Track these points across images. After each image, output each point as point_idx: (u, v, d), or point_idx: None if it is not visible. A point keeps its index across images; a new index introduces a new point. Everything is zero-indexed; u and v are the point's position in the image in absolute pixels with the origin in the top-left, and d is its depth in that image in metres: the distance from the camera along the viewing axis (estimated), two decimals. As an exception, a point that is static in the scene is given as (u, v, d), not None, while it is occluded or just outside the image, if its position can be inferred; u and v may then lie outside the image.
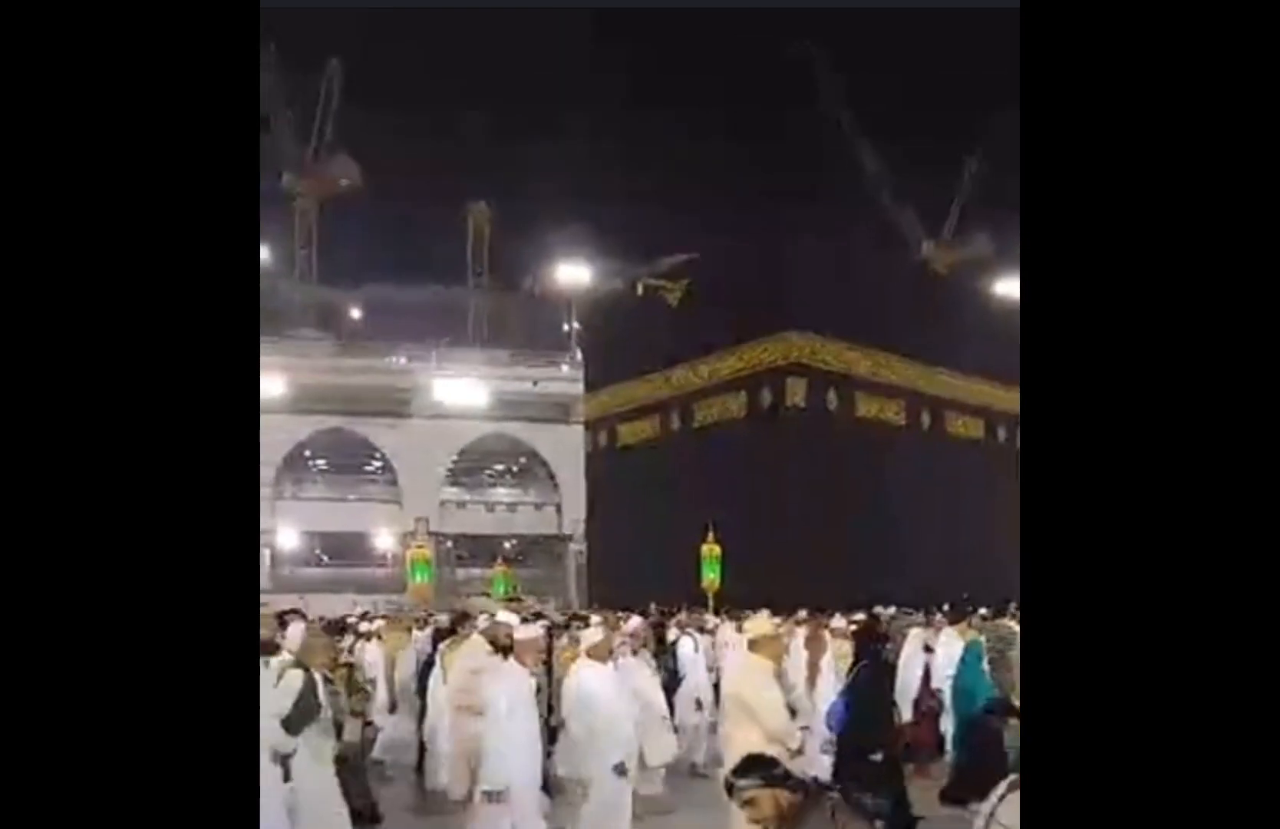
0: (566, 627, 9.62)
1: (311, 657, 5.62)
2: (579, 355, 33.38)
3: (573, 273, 39.12)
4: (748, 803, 4.01)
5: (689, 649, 9.50)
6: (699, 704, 8.95)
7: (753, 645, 5.42)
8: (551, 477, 38.15)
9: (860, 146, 35.36)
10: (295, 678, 5.36)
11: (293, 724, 5.20)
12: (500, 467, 39.75)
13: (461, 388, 37.11)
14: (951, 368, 24.70)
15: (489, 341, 40.24)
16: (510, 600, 17.70)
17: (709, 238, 25.46)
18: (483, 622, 7.76)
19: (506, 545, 33.01)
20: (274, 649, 5.81)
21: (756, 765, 3.86)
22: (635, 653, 7.90)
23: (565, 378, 35.99)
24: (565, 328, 40.30)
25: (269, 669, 5.41)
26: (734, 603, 13.86)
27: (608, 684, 5.84)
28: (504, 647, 6.63)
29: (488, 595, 22.31)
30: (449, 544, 36.45)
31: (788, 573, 17.77)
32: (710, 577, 18.50)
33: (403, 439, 36.27)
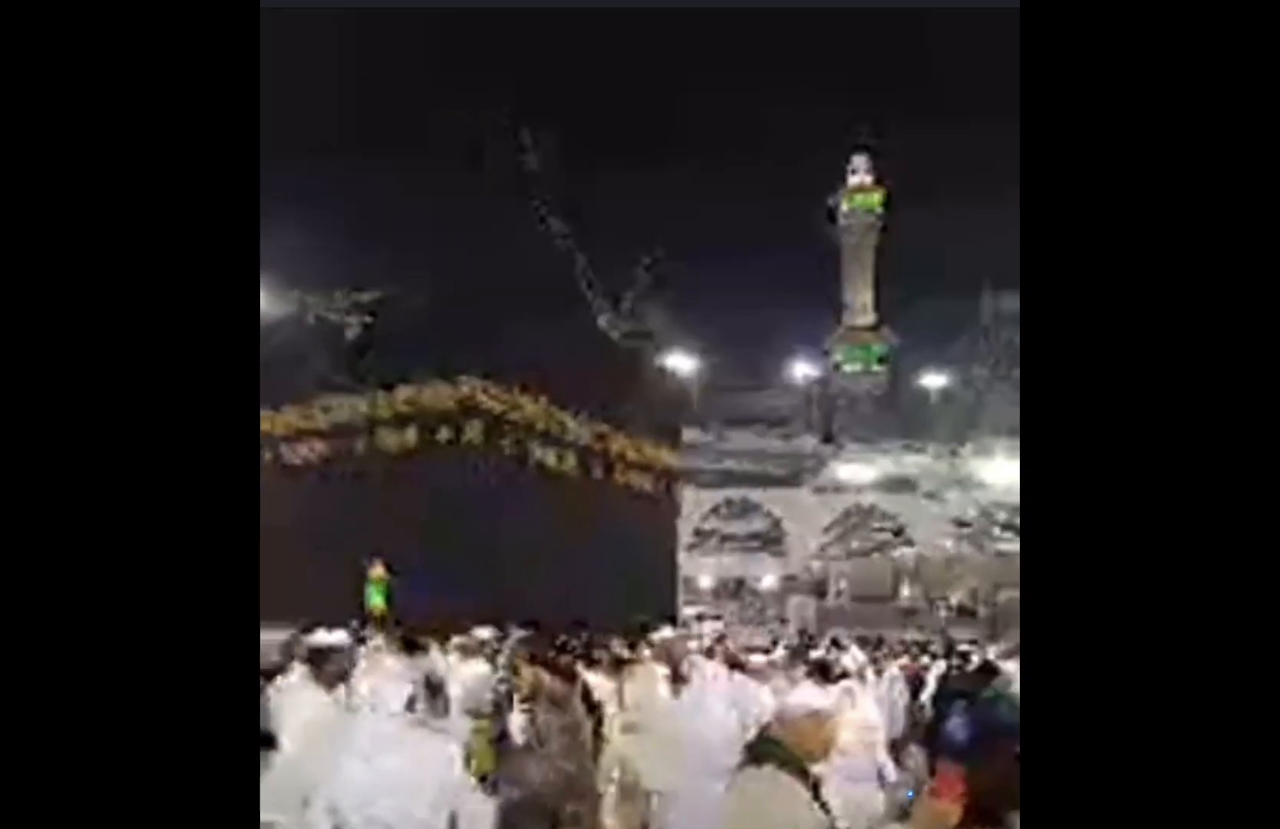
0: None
1: None
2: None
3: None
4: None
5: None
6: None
7: None
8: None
9: (554, 213, 36.87)
10: None
11: None
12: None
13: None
14: (621, 427, 26.10)
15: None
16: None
17: (395, 273, 25.18)
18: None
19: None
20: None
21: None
22: None
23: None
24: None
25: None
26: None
27: None
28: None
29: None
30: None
31: (456, 604, 17.75)
32: (376, 602, 18.15)
33: None
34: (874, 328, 73.35)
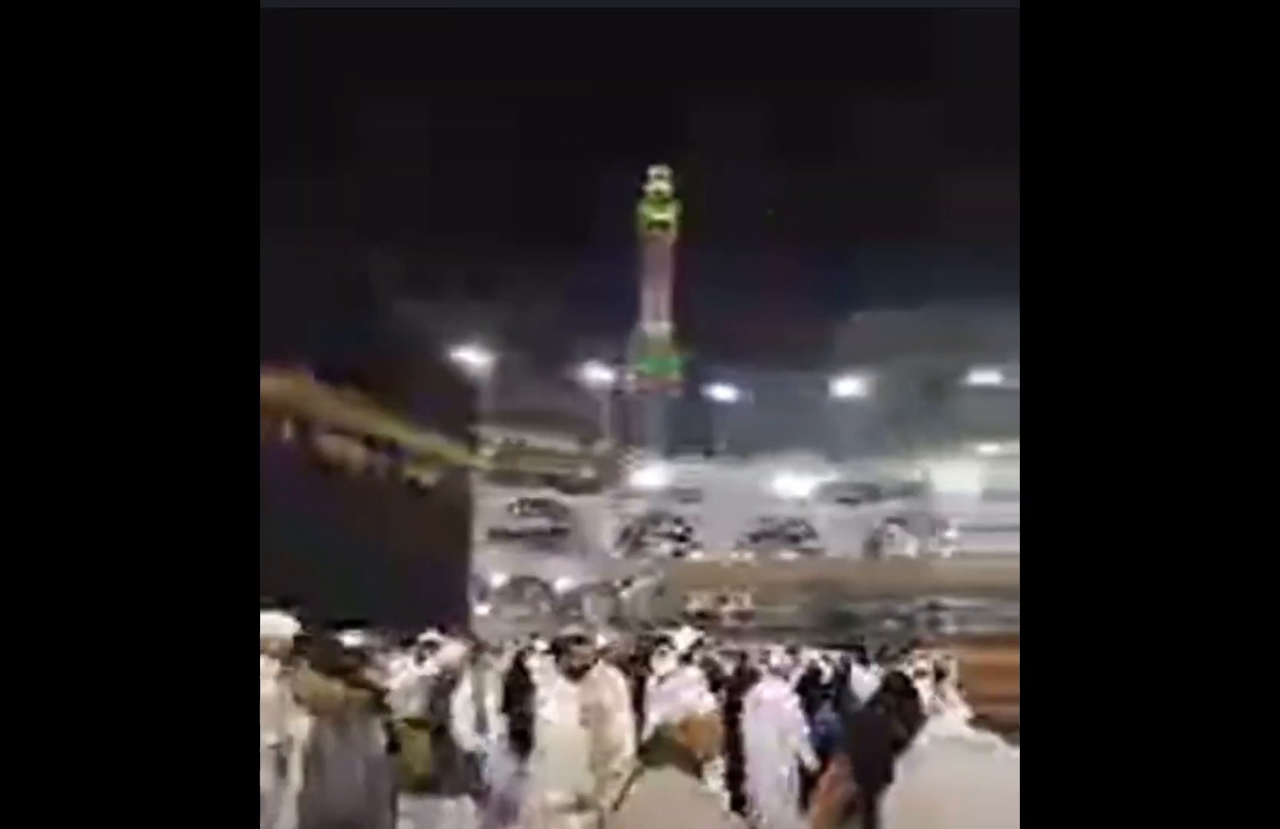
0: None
1: None
2: None
3: None
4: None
5: None
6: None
7: None
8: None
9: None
10: None
11: None
12: None
13: None
14: (409, 421, 25.62)
15: None
16: None
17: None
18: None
19: None
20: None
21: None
22: None
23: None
24: None
25: None
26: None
27: None
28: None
29: None
30: None
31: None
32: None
33: None
34: (671, 336, 75.26)
